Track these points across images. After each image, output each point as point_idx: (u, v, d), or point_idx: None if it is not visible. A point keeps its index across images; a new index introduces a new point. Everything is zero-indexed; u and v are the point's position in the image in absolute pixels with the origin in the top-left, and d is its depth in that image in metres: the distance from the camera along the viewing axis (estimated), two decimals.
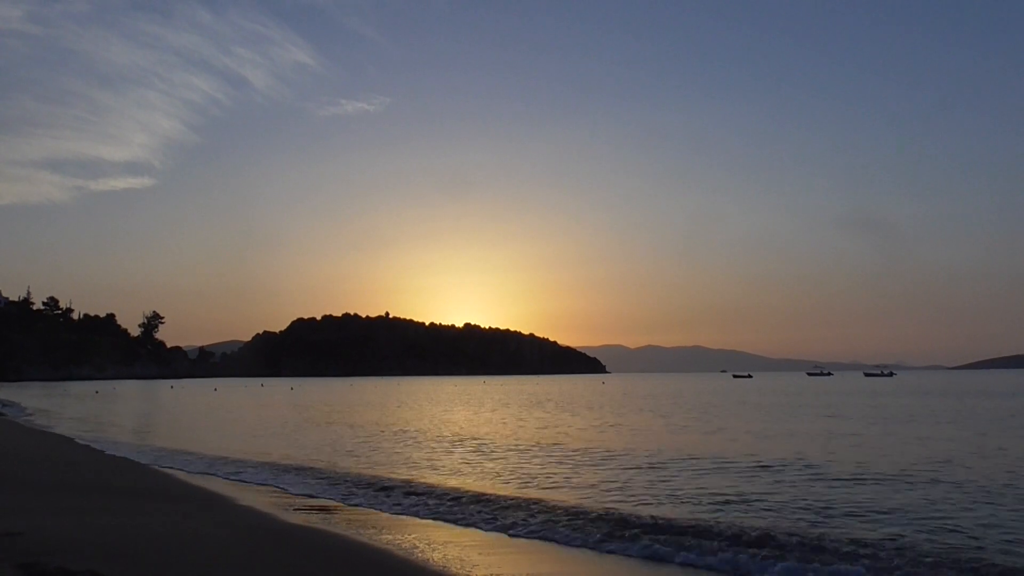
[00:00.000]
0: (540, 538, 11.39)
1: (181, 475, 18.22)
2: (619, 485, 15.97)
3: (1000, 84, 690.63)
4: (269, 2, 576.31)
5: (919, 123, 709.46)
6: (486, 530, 11.96)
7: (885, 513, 12.48)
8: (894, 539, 10.60)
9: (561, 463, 19.78)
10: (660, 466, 18.68)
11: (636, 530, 11.22)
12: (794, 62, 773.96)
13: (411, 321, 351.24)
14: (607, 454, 21.45)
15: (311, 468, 19.36)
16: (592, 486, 15.82)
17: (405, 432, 31.16)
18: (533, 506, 13.29)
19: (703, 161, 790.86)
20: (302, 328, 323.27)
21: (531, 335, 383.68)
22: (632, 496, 14.54)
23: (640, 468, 18.41)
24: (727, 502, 13.60)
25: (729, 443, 24.29)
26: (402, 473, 18.27)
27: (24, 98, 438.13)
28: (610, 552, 10.52)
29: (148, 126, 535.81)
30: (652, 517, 12.10)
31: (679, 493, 14.70)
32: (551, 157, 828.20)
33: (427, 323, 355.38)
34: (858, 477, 16.46)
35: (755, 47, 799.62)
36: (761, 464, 18.69)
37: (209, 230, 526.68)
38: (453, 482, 16.68)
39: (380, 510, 13.82)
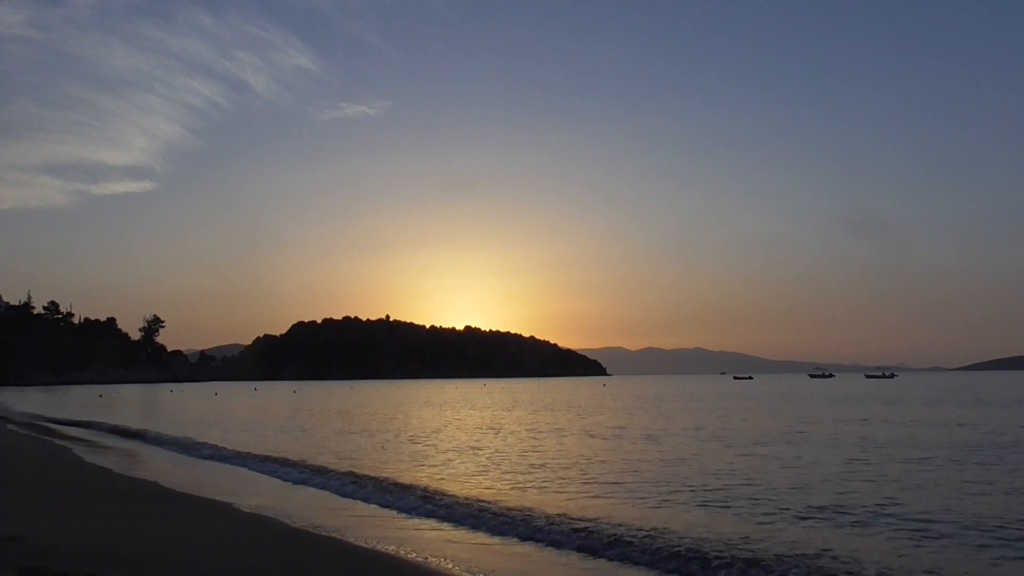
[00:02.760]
0: None
1: (184, 478, 18.15)
2: None
3: (1003, 82, 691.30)
4: (270, 6, 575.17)
5: (919, 123, 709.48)
6: None
7: None
8: None
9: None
10: None
11: None
12: (793, 63, 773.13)
13: (411, 324, 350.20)
14: None
15: None
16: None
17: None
18: None
19: (702, 163, 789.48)
20: (302, 331, 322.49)
21: (531, 337, 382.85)
22: None
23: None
24: None
25: None
26: None
27: (25, 102, 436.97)
28: None
29: (149, 130, 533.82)
30: None
31: None
32: (551, 160, 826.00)
33: (427, 326, 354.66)
34: None
35: (754, 49, 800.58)
36: None
37: (210, 234, 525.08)
38: None
39: None
